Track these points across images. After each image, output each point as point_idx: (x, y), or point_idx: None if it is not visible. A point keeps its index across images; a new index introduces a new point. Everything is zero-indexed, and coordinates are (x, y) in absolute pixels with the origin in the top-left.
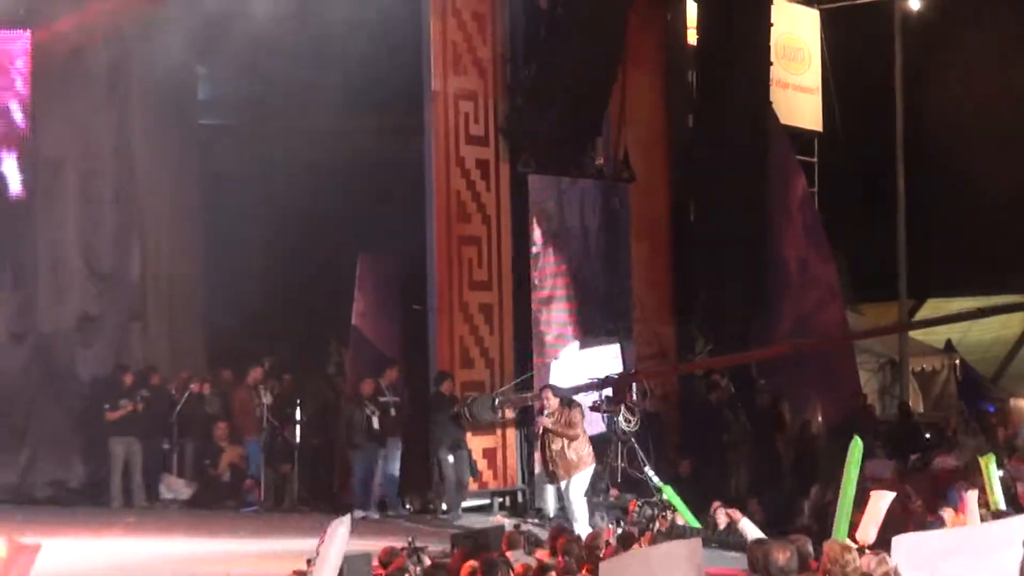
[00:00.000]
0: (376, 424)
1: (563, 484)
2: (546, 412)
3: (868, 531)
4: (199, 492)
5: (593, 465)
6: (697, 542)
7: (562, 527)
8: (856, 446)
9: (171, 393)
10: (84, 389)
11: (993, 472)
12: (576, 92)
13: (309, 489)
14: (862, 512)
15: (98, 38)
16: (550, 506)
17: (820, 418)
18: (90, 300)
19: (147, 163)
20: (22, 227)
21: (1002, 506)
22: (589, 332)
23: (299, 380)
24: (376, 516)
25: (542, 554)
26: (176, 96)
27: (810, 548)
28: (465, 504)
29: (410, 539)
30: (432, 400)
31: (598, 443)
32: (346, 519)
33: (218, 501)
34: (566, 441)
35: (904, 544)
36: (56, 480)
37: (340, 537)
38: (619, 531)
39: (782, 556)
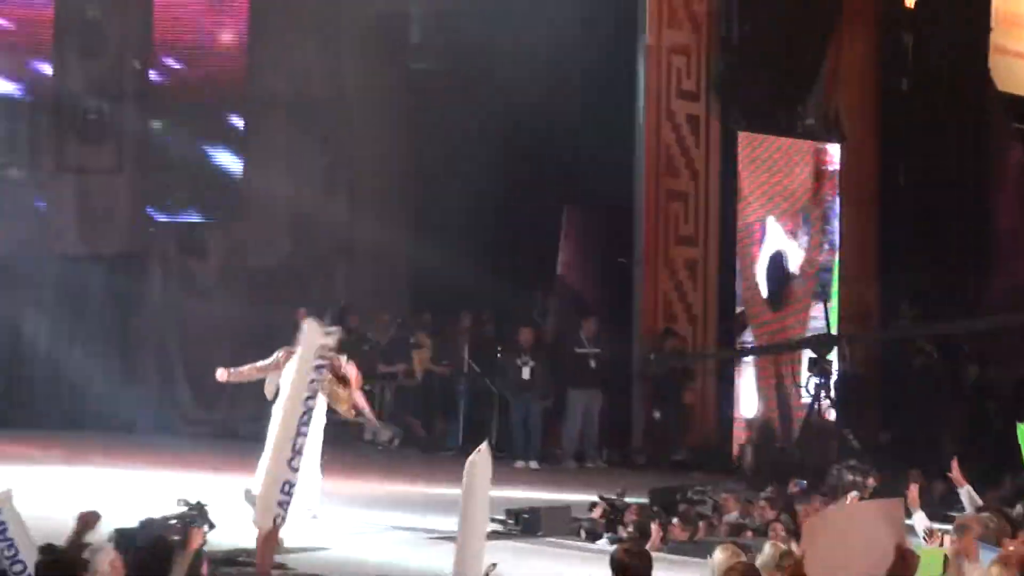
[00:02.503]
0: (526, 375)
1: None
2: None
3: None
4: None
5: None
6: (899, 502)
7: None
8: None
9: (367, 335)
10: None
11: None
12: (789, 50)
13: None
14: None
15: None
16: None
17: None
18: (297, 239)
19: (358, 105)
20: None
21: None
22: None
23: (501, 328)
24: (535, 466)
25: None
26: (388, 38)
27: (1004, 523)
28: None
29: (619, 491)
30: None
31: None
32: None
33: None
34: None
35: None
36: (259, 416)
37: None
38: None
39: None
